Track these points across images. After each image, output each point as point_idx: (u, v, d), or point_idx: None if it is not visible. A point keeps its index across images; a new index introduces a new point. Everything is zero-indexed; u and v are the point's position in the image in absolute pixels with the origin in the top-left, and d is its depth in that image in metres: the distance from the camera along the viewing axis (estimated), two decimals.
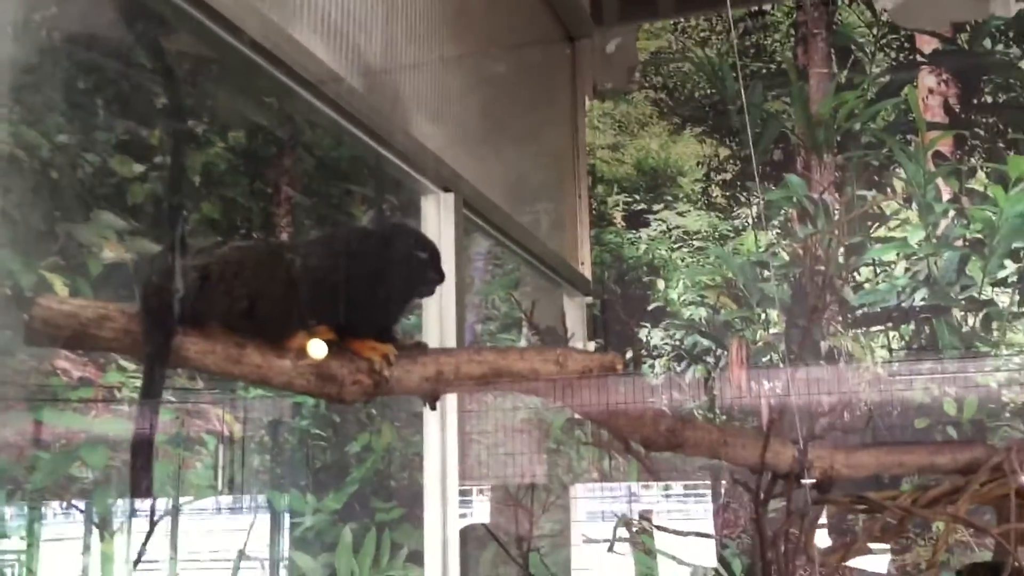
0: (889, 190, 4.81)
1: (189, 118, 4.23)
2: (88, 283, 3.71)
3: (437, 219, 3.43)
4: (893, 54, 4.94)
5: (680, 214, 5.13)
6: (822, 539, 2.53)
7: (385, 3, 3.21)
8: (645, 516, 4.32)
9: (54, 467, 3.62)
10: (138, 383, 3.68)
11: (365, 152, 3.17)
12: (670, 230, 5.13)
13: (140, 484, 1.92)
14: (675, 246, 5.09)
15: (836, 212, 4.86)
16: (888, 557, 2.45)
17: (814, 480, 2.18)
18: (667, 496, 4.34)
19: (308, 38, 2.66)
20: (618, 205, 5.25)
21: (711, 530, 4.35)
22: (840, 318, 4.68)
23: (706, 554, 3.87)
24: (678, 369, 4.94)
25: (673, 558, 3.57)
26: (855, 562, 2.49)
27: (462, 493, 3.33)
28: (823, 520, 2.51)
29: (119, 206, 3.90)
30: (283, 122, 4.64)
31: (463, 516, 3.38)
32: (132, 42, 3.51)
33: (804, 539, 2.13)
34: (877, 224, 4.76)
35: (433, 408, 2.04)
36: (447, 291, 3.33)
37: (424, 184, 3.37)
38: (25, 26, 1.70)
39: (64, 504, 3.65)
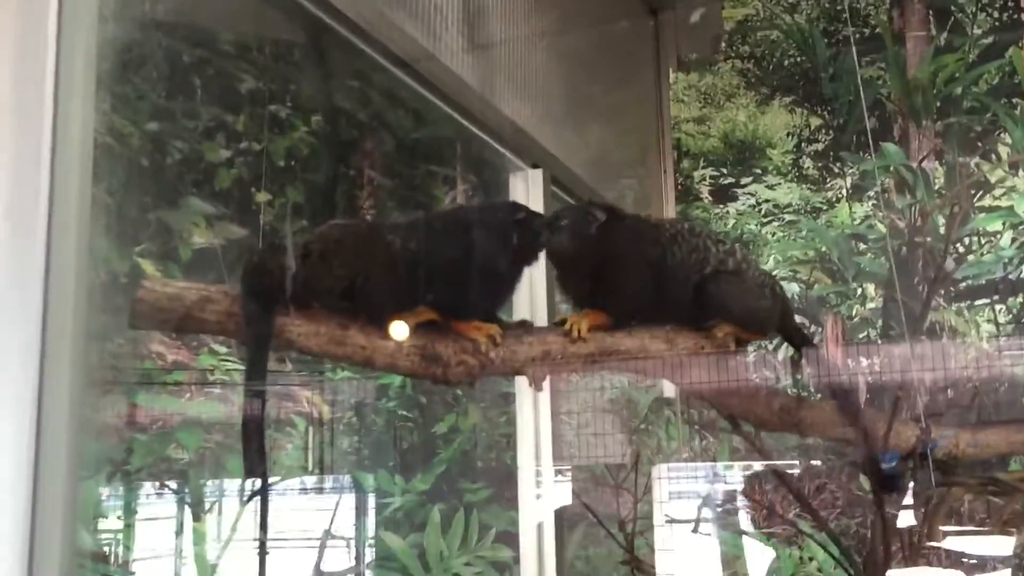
0: (994, 157, 4.59)
1: (274, 102, 4.25)
2: (179, 268, 3.75)
3: (526, 196, 3.39)
4: (996, 14, 4.70)
5: (770, 187, 4.98)
6: (908, 519, 2.42)
7: None
8: (731, 496, 4.23)
9: (150, 449, 3.68)
10: (230, 366, 3.73)
11: (454, 131, 3.14)
12: (759, 204, 4.99)
13: (254, 464, 1.91)
14: (765, 220, 4.94)
15: (936, 181, 4.66)
16: (1012, 540, 2.33)
17: (938, 461, 2.08)
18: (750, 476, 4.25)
19: (397, 15, 2.63)
20: (705, 179, 5.12)
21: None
22: (942, 291, 4.50)
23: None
24: (770, 346, 4.81)
25: (759, 539, 3.48)
26: (972, 545, 2.37)
27: (540, 473, 3.30)
28: (909, 500, 2.41)
29: (207, 192, 3.93)
30: (366, 104, 4.63)
31: (539, 497, 3.34)
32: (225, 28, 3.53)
33: (929, 523, 2.03)
34: (981, 192, 4.55)
35: (539, 389, 1.99)
36: (537, 269, 3.29)
37: (513, 161, 3.33)
38: (126, 5, 1.68)
39: (159, 484, 3.71)
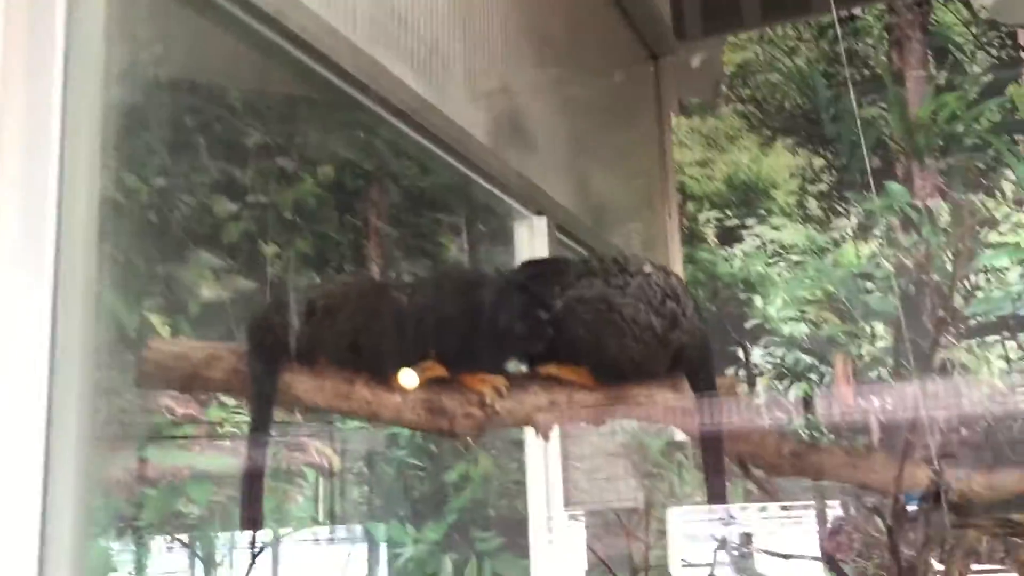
0: (998, 193, 4.60)
1: (281, 155, 4.29)
2: (188, 322, 3.77)
3: (531, 244, 3.40)
4: (994, 52, 4.74)
5: (775, 228, 4.99)
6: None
7: (470, 30, 3.20)
8: (747, 539, 4.18)
9: (161, 503, 3.67)
10: (240, 418, 3.73)
11: (457, 180, 3.16)
12: (765, 245, 4.99)
13: (251, 517, 1.90)
14: (771, 261, 4.95)
15: (942, 218, 4.66)
16: None
17: (952, 503, 2.05)
18: (765, 518, 4.20)
19: (398, 69, 2.66)
20: (710, 222, 5.14)
21: (813, 552, 4.19)
22: (952, 329, 4.48)
23: None
24: (780, 388, 4.78)
25: None
26: None
27: (551, 519, 3.27)
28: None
29: (215, 245, 3.96)
30: (371, 155, 4.67)
31: (551, 543, 3.31)
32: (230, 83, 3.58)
33: (946, 566, 2.00)
34: (987, 229, 4.55)
35: (547, 439, 1.98)
36: None
37: (517, 209, 3.34)
38: (131, 67, 1.70)
39: (170, 539, 3.69)
